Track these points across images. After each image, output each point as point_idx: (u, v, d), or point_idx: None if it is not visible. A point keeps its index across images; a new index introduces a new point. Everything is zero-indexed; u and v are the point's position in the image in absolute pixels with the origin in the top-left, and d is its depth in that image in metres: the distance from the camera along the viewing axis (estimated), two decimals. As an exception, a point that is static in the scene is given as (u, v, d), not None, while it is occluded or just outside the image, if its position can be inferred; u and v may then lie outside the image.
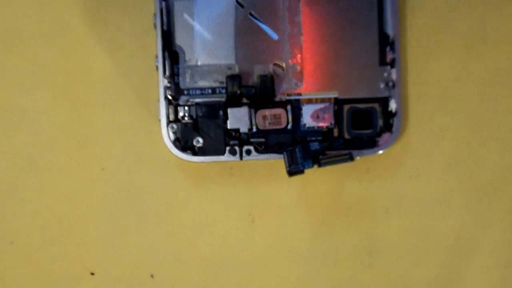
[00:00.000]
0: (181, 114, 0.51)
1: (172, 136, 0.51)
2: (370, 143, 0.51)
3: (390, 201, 0.53)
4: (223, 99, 0.50)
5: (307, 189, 0.53)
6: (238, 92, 0.49)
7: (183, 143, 0.51)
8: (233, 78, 0.49)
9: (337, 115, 0.51)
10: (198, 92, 0.51)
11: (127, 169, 0.53)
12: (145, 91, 0.52)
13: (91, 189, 0.53)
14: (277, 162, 0.51)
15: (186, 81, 0.50)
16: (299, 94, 0.50)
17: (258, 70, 0.50)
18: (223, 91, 0.51)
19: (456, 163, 0.53)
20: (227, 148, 0.50)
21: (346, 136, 0.51)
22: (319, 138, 0.51)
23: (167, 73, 0.49)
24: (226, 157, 0.50)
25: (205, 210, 0.53)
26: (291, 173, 0.49)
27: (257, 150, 0.50)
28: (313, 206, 0.53)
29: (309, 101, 0.51)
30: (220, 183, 0.53)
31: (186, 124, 0.51)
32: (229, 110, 0.50)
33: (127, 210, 0.53)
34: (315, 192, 0.53)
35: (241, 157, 0.50)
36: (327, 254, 0.53)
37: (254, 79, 0.50)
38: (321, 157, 0.49)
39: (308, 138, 0.51)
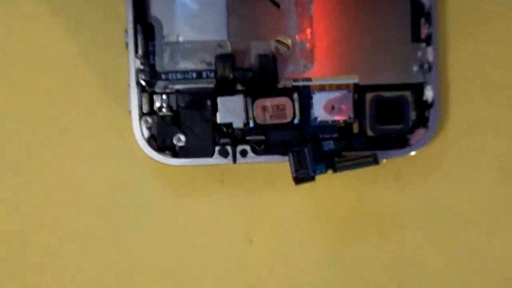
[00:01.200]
0: (157, 104, 0.49)
1: (146, 133, 0.49)
2: (400, 142, 0.50)
3: (425, 215, 0.52)
4: (212, 85, 0.49)
5: (319, 201, 0.52)
6: (231, 76, 0.48)
7: (160, 142, 0.49)
8: (224, 59, 0.48)
9: (358, 106, 0.49)
10: (179, 76, 0.49)
11: (91, 176, 0.52)
12: (112, 75, 0.51)
13: (53, 199, 0.52)
14: (280, 166, 0.49)
15: (164, 62, 0.49)
16: (309, 79, 0.49)
17: (257, 48, 0.48)
18: (212, 75, 0.49)
19: (508, 167, 0.52)
20: (217, 148, 0.49)
21: (369, 133, 0.50)
22: (335, 135, 0.49)
23: (140, 51, 0.48)
24: (216, 159, 0.49)
25: (189, 227, 0.52)
26: (298, 180, 0.47)
27: (255, 151, 0.49)
28: (327, 223, 0.52)
29: (322, 88, 0.49)
30: (208, 193, 0.52)
31: (164, 117, 0.49)
32: (219, 100, 0.48)
33: (94, 226, 0.52)
34: (329, 205, 0.52)
35: (234, 159, 0.49)
36: (345, 282, 0.52)
37: (251, 60, 0.48)
38: (336, 159, 0.47)
39: (321, 136, 0.49)
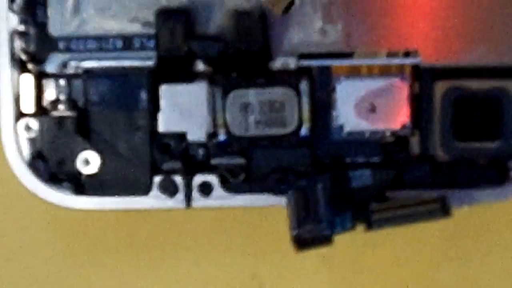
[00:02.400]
0: (50, 96, 0.36)
1: (27, 149, 0.36)
2: (495, 175, 0.36)
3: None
4: (150, 64, 0.36)
5: (340, 281, 0.39)
6: (185, 48, 0.36)
7: (53, 166, 0.36)
8: (174, 17, 0.36)
9: (420, 106, 0.36)
10: (91, 45, 0.37)
11: None
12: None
13: None
14: (271, 215, 0.37)
15: (63, 20, 0.36)
16: (331, 55, 0.36)
17: (232, -3, 0.41)
18: (151, 44, 0.36)
19: None
20: (157, 180, 0.35)
21: (440, 155, 0.36)
22: (375, 159, 0.36)
23: (19, 1, 0.36)
24: (154, 200, 0.36)
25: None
26: (301, 242, 0.34)
27: (227, 186, 0.36)
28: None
29: (353, 72, 0.36)
30: (137, 266, 0.38)
31: (61, 120, 0.36)
32: (163, 90, 0.35)
33: None
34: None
35: (188, 201, 0.36)
36: None
37: (221, 19, 0.36)
38: (374, 205, 0.34)
39: (349, 160, 0.37)
